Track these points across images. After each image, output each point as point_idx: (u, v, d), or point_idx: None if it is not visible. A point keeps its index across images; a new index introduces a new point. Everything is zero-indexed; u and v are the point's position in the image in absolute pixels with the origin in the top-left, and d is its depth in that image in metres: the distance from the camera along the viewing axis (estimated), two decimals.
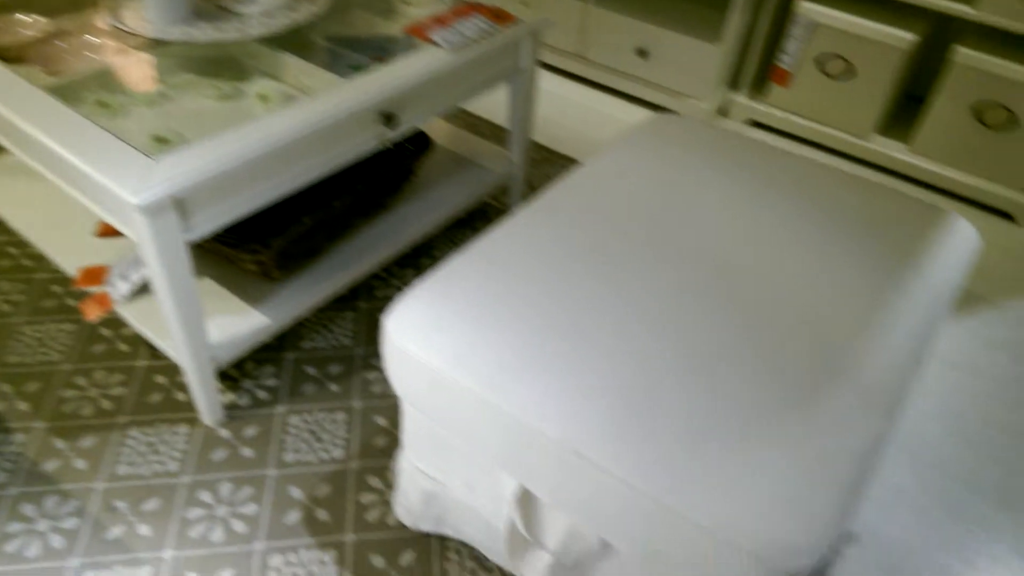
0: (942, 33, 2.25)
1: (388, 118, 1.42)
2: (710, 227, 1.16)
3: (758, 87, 2.41)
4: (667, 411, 0.85)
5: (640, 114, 2.44)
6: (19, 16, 1.56)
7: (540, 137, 2.31)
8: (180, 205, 1.15)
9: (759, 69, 2.40)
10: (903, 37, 2.00)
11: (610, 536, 0.88)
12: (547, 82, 2.58)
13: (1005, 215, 2.07)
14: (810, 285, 1.06)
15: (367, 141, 1.41)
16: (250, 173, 1.23)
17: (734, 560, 0.74)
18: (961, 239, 1.22)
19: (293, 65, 1.52)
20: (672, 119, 1.48)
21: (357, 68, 1.53)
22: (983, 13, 1.87)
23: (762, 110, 2.35)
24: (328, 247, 1.61)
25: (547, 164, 2.21)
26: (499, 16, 1.63)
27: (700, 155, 1.34)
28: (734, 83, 2.43)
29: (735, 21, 2.18)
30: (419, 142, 1.72)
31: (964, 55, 1.95)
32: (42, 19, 1.58)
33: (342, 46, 1.62)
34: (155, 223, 1.12)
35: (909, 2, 1.99)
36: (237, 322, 1.45)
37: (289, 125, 1.23)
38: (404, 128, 1.47)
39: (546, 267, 1.05)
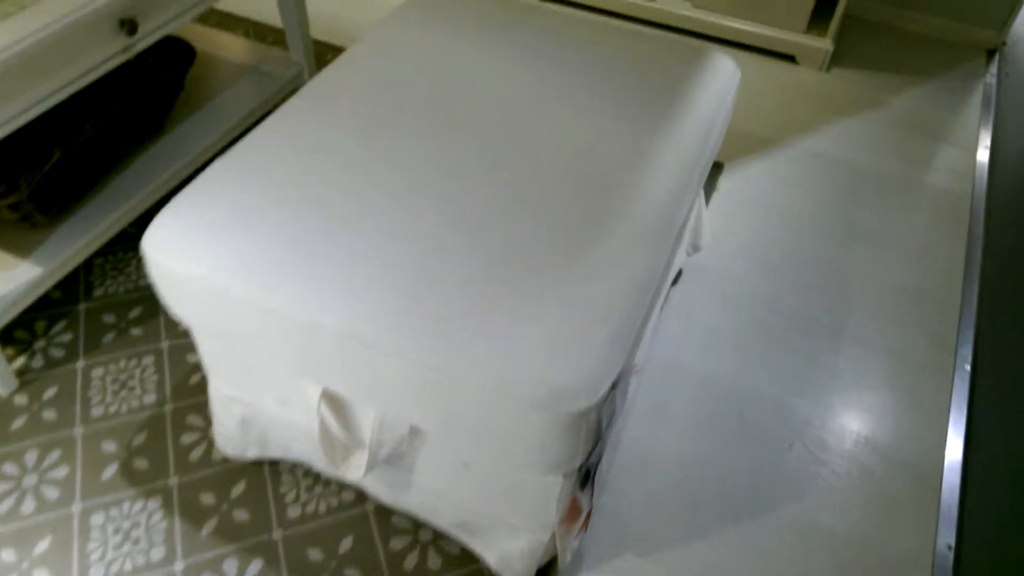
0: None
1: (128, 25, 1.26)
2: (483, 93, 1.13)
3: None
4: (441, 281, 0.83)
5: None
6: None
7: (325, 34, 2.16)
8: None
9: None
10: None
11: (412, 417, 0.88)
12: None
13: (789, 58, 2.18)
14: (580, 134, 1.06)
15: (107, 54, 1.25)
16: None
17: (517, 413, 0.76)
18: (721, 73, 1.26)
19: None
20: None
21: None
22: None
23: None
24: (99, 181, 1.45)
25: None
26: None
27: (469, 24, 1.29)
28: None
29: None
30: (183, 53, 1.55)
31: None
32: None
33: None
34: None
35: None
36: (4, 279, 1.29)
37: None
38: (151, 36, 1.32)
39: (312, 159, 0.99)
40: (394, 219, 0.91)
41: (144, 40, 1.31)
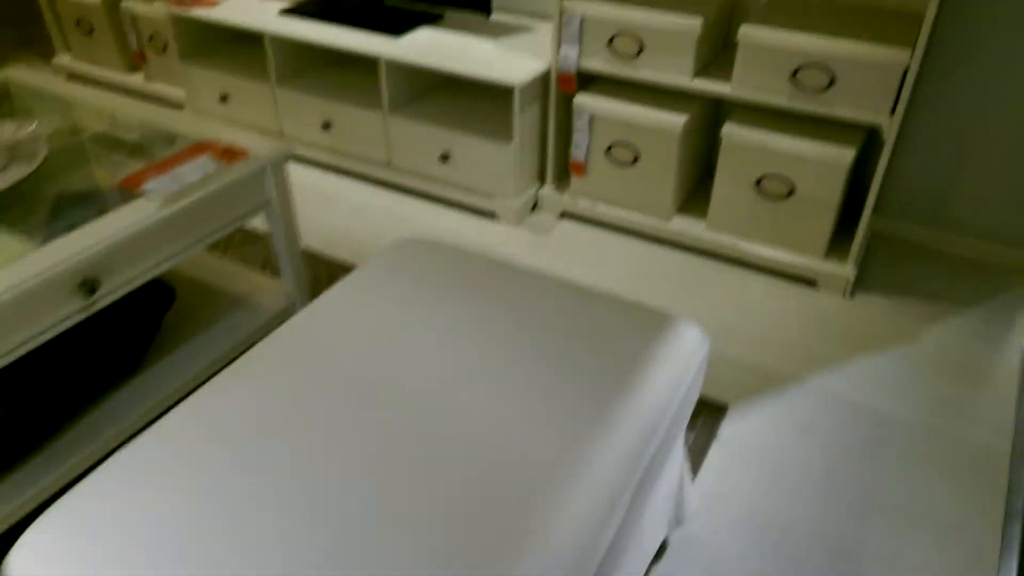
0: (715, 114, 2.29)
1: (88, 285, 1.29)
2: (419, 372, 1.05)
3: (564, 180, 2.39)
4: None
5: (451, 217, 2.38)
6: None
7: (347, 253, 2.21)
8: None
9: (561, 163, 2.38)
10: (675, 121, 2.01)
11: None
12: (355, 193, 2.50)
13: (809, 282, 2.06)
14: (511, 429, 0.96)
15: (64, 314, 1.27)
16: None
17: None
18: (685, 346, 1.15)
19: None
20: (415, 244, 1.40)
21: (72, 227, 1.41)
22: (739, 90, 1.89)
23: (568, 201, 2.32)
24: (64, 425, 1.45)
25: None
26: (230, 153, 1.54)
27: (431, 287, 1.25)
28: (543, 178, 2.40)
29: (519, 122, 2.16)
30: (161, 295, 1.59)
31: (731, 131, 1.96)
32: None
33: (52, 206, 1.50)
34: None
35: (676, 88, 2.00)
36: None
37: None
38: (113, 294, 1.34)
39: (207, 463, 0.92)
40: (275, 537, 0.81)
41: (106, 298, 1.33)
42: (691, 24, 1.88)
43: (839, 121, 1.95)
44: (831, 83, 1.77)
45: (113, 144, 1.70)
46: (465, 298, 1.23)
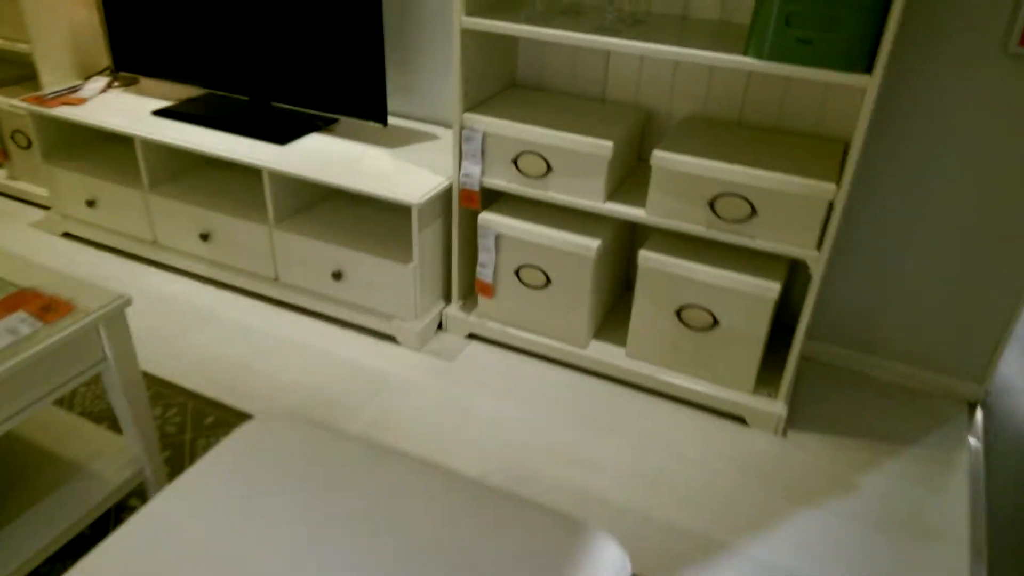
0: (632, 233, 2.15)
1: None
2: None
3: (472, 298, 2.18)
4: None
5: (346, 340, 2.12)
6: None
7: (222, 387, 1.92)
8: None
9: (467, 281, 2.17)
10: (588, 245, 1.84)
11: None
12: (237, 311, 2.22)
13: (738, 418, 1.89)
14: None
15: None
16: None
17: None
18: (602, 568, 0.93)
19: None
20: (275, 424, 1.14)
21: None
22: (655, 216, 1.74)
23: (475, 323, 2.10)
24: None
25: (226, 425, 1.80)
26: (51, 308, 1.26)
27: (283, 481, 0.99)
28: (448, 296, 2.19)
29: (419, 241, 1.96)
30: None
31: (646, 257, 1.80)
32: None
33: None
34: None
35: (590, 210, 1.84)
36: None
37: None
38: None
39: None
40: None
41: None
42: (601, 146, 1.73)
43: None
44: (752, 213, 1.64)
45: None
46: (329, 501, 0.98)
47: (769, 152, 1.70)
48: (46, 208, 2.72)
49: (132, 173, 2.41)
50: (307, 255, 2.14)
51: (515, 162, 1.85)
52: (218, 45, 2.28)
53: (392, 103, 2.40)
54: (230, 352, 2.06)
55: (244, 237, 2.22)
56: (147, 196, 2.32)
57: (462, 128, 1.86)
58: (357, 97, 2.12)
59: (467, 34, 1.78)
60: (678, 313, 1.82)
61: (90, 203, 2.45)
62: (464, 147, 1.89)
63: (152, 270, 2.43)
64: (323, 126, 2.32)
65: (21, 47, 2.51)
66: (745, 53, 1.52)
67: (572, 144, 1.76)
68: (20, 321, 1.23)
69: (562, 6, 1.88)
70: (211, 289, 2.34)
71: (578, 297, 1.93)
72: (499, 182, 1.89)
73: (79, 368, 1.29)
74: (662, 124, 1.97)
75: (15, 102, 2.50)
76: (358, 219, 2.22)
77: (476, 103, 1.92)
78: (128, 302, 1.33)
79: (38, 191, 2.73)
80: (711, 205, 1.67)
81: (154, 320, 2.19)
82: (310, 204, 2.27)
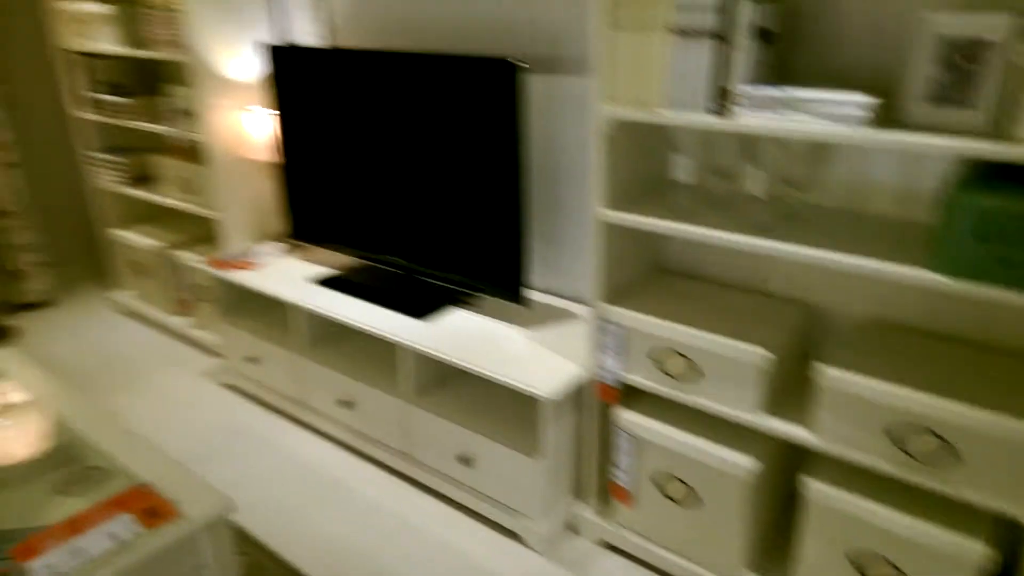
0: (796, 453, 1.85)
1: None
2: None
3: (606, 502, 1.96)
4: None
5: (470, 531, 1.97)
6: None
7: None
8: None
9: (604, 481, 1.96)
10: (741, 464, 1.58)
11: None
12: (368, 484, 2.16)
13: None
14: None
15: None
16: None
17: None
18: None
19: None
20: None
21: None
22: (825, 442, 1.47)
23: (612, 531, 1.87)
24: None
25: None
26: (156, 513, 1.23)
27: None
28: (582, 495, 1.99)
29: (550, 435, 1.80)
30: None
31: (815, 489, 1.51)
32: None
33: None
34: None
35: (742, 423, 1.59)
36: None
37: None
38: None
39: None
40: None
41: None
42: (755, 354, 1.51)
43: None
44: (954, 457, 1.32)
45: (43, 471, 1.44)
46: None
47: (975, 377, 1.39)
48: (219, 356, 2.90)
49: (290, 335, 2.50)
50: (437, 434, 2.05)
51: (657, 360, 1.67)
52: (374, 217, 2.36)
53: (537, 277, 2.35)
54: (351, 533, 1.98)
55: (380, 408, 2.18)
56: (299, 358, 2.39)
57: (600, 320, 1.73)
58: (497, 275, 2.08)
59: (608, 226, 1.69)
60: (858, 567, 1.49)
61: (251, 359, 2.57)
62: (602, 339, 1.74)
63: (297, 429, 2.46)
64: (465, 301, 2.29)
65: (212, 214, 2.76)
66: (931, 267, 1.27)
67: (721, 348, 1.56)
68: (123, 525, 1.20)
69: (712, 196, 1.74)
70: (347, 456, 2.31)
71: (730, 522, 1.65)
72: (639, 379, 1.72)
73: (179, 574, 1.24)
74: (833, 324, 1.72)
75: (200, 262, 2.73)
76: (491, 399, 2.12)
77: (618, 291, 1.78)
78: (232, 508, 1.28)
79: (214, 340, 2.92)
80: (897, 439, 1.37)
81: (286, 485, 2.17)
82: (446, 379, 2.21)
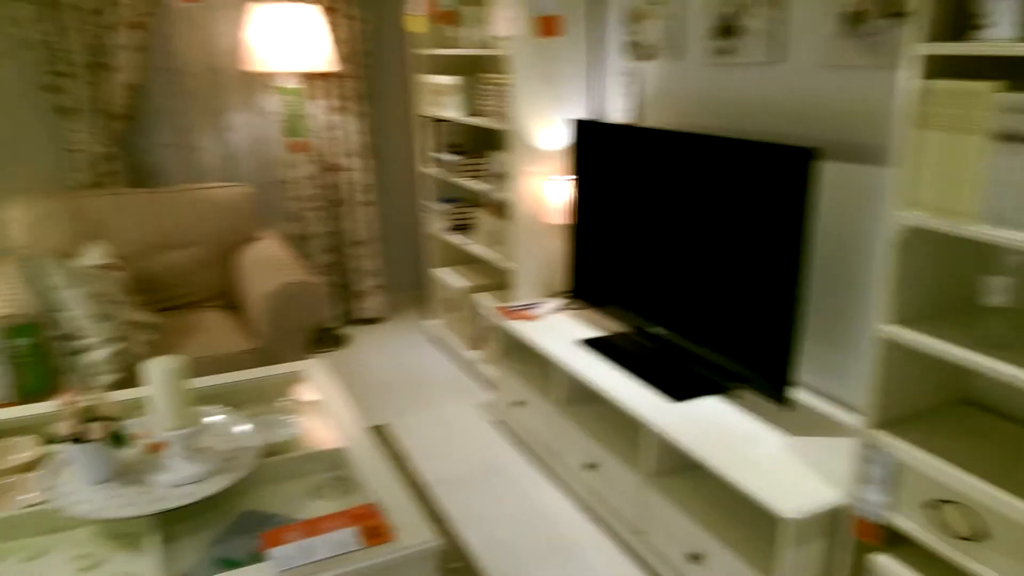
0: None
1: None
2: None
3: None
4: None
5: None
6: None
7: None
8: None
9: None
10: None
11: None
12: (598, 554, 2.13)
13: None
14: None
15: None
16: None
17: None
18: None
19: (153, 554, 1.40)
20: None
21: (228, 564, 1.37)
22: None
23: None
24: None
25: None
26: (376, 533, 1.38)
27: None
28: None
29: (788, 559, 1.61)
30: None
31: None
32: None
33: (229, 533, 1.49)
34: None
35: None
36: None
37: None
38: None
39: None
40: None
41: None
42: None
43: None
44: None
45: (311, 469, 1.69)
46: None
47: None
48: (495, 391, 3.13)
49: (552, 388, 2.61)
50: (670, 521, 1.96)
51: (931, 507, 1.40)
52: (650, 286, 2.37)
53: (811, 376, 2.13)
54: None
55: (620, 479, 2.16)
56: (555, 412, 2.48)
57: (867, 447, 1.51)
58: (762, 365, 1.94)
59: (891, 344, 1.47)
60: None
61: (519, 403, 2.73)
62: (867, 469, 1.52)
63: (547, 479, 2.55)
64: (726, 390, 2.17)
65: (509, 265, 3.02)
66: None
67: (1020, 514, 1.26)
68: (348, 537, 1.37)
69: None
70: (584, 520, 2.33)
71: None
72: (906, 524, 1.46)
73: None
74: None
75: (492, 307, 2.99)
76: (737, 500, 1.96)
77: (899, 418, 1.55)
78: (436, 548, 1.38)
79: (495, 379, 3.17)
80: None
81: (521, 531, 2.25)
82: (691, 466, 2.11)
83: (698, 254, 2.16)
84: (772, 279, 1.90)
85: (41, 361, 2.17)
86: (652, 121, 2.69)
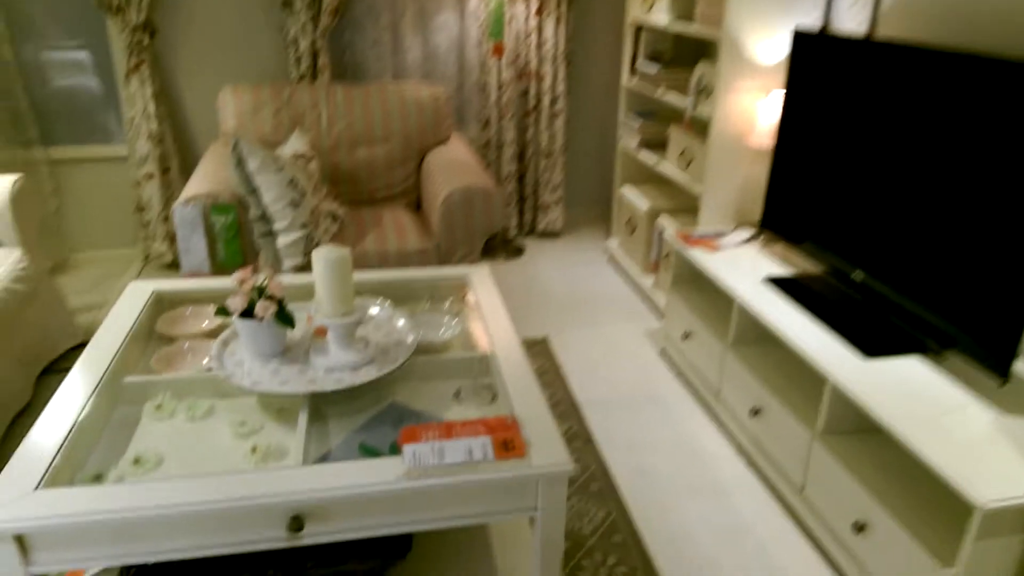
0: None
1: (297, 523, 1.27)
2: None
3: None
4: None
5: None
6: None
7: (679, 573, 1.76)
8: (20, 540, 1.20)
9: None
10: None
11: None
12: (750, 505, 1.99)
13: None
14: None
15: (268, 537, 1.28)
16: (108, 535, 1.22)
17: None
18: None
19: (299, 428, 1.50)
20: None
21: (368, 451, 1.43)
22: None
23: None
24: None
25: None
26: (508, 446, 1.35)
27: None
28: None
29: (971, 550, 1.37)
30: (394, 546, 1.48)
31: None
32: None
33: (374, 421, 1.55)
34: None
35: None
36: None
37: (154, 499, 1.20)
38: (319, 538, 1.29)
39: None
40: None
41: (311, 539, 1.29)
42: None
43: None
44: None
45: (460, 373, 1.70)
46: None
47: None
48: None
49: (724, 324, 2.42)
50: (836, 486, 1.76)
51: None
52: (856, 224, 2.08)
53: None
54: (713, 543, 1.87)
55: (786, 431, 1.98)
56: (724, 349, 2.30)
57: None
58: (982, 329, 1.63)
59: None
60: None
61: (686, 335, 2.58)
62: None
63: (704, 417, 2.41)
64: (932, 352, 1.86)
65: (698, 188, 2.80)
66: None
67: None
68: (481, 446, 1.35)
69: None
70: (740, 465, 2.18)
71: None
72: None
73: (510, 505, 1.35)
74: None
75: (673, 232, 2.81)
76: (922, 473, 1.71)
77: None
78: (570, 473, 1.32)
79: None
80: None
81: (671, 466, 2.16)
82: (872, 429, 1.87)
83: (923, 192, 1.83)
84: (1014, 230, 1.56)
85: (236, 239, 2.37)
86: (890, 31, 2.29)
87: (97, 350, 1.67)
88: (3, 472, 1.27)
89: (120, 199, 3.54)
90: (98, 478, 1.40)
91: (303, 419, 1.49)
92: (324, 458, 1.44)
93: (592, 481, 2.09)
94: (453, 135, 3.27)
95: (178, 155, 3.44)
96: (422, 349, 1.77)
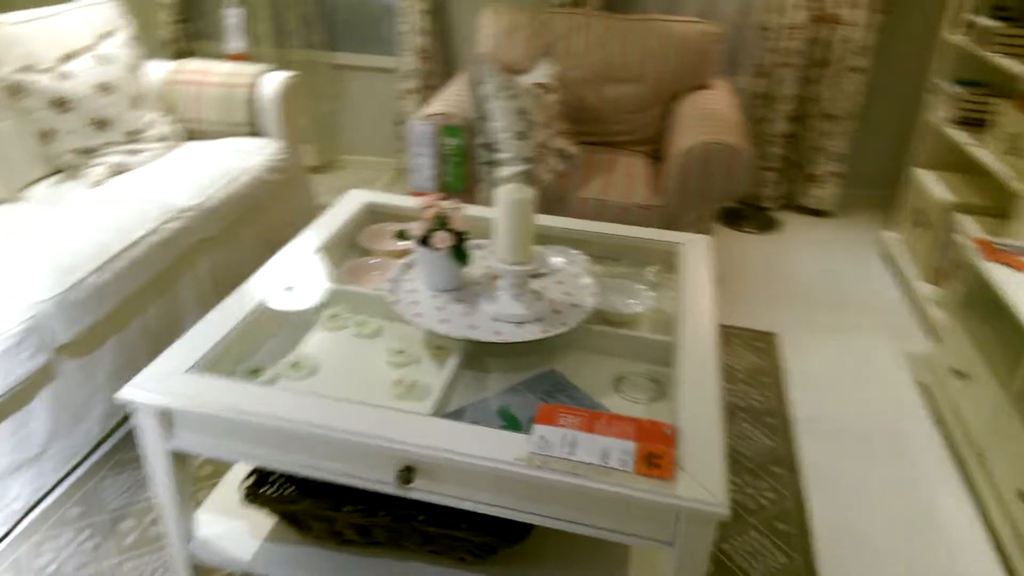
0: None
1: (405, 473, 1.17)
2: None
3: None
4: None
5: None
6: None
7: None
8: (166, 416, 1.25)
9: None
10: None
11: None
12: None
13: None
14: None
15: (379, 481, 1.20)
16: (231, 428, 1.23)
17: None
18: None
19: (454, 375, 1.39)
20: None
21: (507, 417, 1.29)
22: None
23: None
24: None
25: None
26: (654, 463, 1.10)
27: None
28: None
29: None
30: (515, 526, 1.31)
31: None
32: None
33: (526, 385, 1.38)
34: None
35: None
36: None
37: (286, 411, 1.17)
38: (426, 495, 1.18)
39: None
40: None
41: (419, 495, 1.19)
42: None
43: None
44: None
45: (629, 354, 1.45)
46: None
47: None
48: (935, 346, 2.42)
49: (1015, 371, 1.85)
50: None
51: None
52: None
53: None
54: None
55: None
56: (1003, 404, 1.76)
57: None
58: None
59: None
60: None
61: (957, 372, 2.04)
62: None
63: (956, 485, 1.90)
64: None
65: (1019, 185, 2.15)
66: None
67: None
68: (620, 452, 1.12)
69: None
70: (990, 559, 1.68)
71: None
72: None
73: (640, 530, 1.12)
74: None
75: (970, 235, 2.22)
76: None
77: None
78: (721, 516, 1.05)
79: (941, 329, 2.44)
80: None
81: (885, 528, 1.73)
82: None
83: None
84: None
85: (463, 163, 2.31)
86: None
87: (297, 250, 1.70)
88: (169, 349, 1.32)
89: (386, 110, 3.71)
90: (255, 372, 1.42)
91: (452, 364, 1.38)
92: (459, 412, 1.32)
93: (781, 519, 1.74)
94: (718, 82, 2.88)
95: (441, 73, 3.49)
96: (603, 317, 1.55)
